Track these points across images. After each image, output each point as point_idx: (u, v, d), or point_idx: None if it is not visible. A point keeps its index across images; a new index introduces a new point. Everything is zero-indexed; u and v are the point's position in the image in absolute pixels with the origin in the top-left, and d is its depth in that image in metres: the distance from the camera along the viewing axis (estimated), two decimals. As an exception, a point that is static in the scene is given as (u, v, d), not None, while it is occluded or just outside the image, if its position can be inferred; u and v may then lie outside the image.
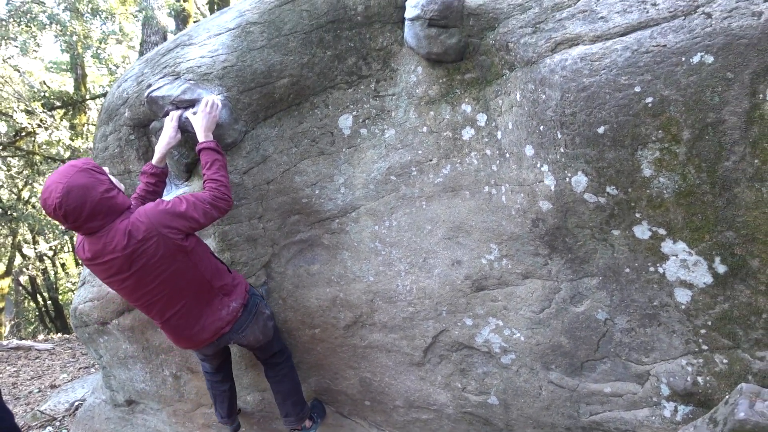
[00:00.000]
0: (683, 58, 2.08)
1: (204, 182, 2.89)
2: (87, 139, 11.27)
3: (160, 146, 3.05)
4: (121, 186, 2.95)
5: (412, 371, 3.32)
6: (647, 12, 2.18)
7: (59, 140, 10.65)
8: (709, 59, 2.05)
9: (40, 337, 13.67)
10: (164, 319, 2.98)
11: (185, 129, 3.08)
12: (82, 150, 10.98)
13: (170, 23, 11.19)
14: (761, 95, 2.02)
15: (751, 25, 1.98)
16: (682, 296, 2.42)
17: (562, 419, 2.94)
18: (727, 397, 2.27)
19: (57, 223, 14.08)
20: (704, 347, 2.46)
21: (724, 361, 2.42)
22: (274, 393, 3.46)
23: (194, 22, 10.29)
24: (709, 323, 2.40)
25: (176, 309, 2.94)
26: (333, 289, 3.33)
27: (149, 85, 3.21)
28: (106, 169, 2.99)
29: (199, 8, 13.15)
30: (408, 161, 3.01)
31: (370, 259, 3.20)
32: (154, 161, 3.08)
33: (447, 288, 3.03)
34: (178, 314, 2.96)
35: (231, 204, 2.88)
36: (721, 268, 2.29)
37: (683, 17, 2.11)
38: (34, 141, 11.90)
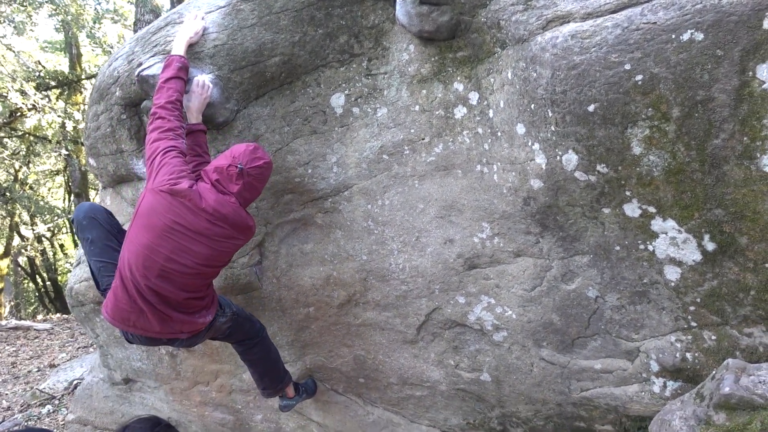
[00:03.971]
0: (673, 36, 2.07)
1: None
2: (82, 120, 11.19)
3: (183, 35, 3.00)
4: None
5: (406, 349, 3.34)
6: (638, -12, 2.16)
7: (52, 122, 10.58)
8: (699, 36, 2.04)
9: (39, 317, 13.75)
10: None
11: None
12: (75, 131, 10.91)
13: (165, 2, 11.07)
14: (750, 72, 2.02)
15: (741, 1, 1.96)
16: (672, 273, 2.43)
17: (554, 395, 2.98)
18: (714, 372, 2.30)
19: (54, 205, 14.06)
20: (693, 324, 2.49)
21: (713, 337, 2.45)
22: (251, 372, 3.46)
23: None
24: (698, 300, 2.42)
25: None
26: (326, 268, 3.35)
27: (140, 64, 3.18)
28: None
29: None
30: (400, 140, 3.01)
31: (363, 238, 3.21)
32: (181, 53, 2.95)
33: (439, 266, 3.04)
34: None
35: None
36: (710, 246, 2.30)
37: (674, -7, 2.09)
38: (23, 124, 11.86)
